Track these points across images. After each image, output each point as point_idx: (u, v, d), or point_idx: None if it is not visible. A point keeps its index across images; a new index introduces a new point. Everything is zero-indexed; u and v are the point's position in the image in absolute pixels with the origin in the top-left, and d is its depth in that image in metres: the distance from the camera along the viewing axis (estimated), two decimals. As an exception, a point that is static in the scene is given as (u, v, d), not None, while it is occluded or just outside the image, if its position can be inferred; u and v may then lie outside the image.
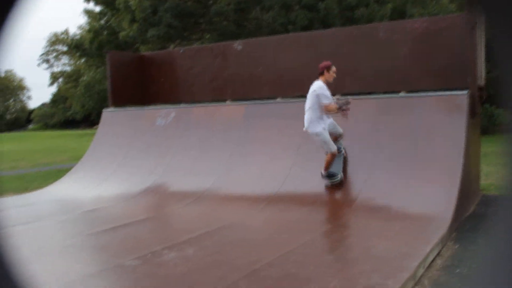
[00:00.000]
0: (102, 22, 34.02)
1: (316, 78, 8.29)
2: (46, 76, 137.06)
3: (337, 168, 8.20)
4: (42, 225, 7.93)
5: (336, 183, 8.18)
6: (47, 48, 77.24)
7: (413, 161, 7.86)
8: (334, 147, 8.01)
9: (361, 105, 8.86)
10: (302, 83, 10.59)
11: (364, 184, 8.00)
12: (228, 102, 11.50)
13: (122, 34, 26.68)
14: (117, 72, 12.69)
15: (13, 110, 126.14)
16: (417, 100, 8.69)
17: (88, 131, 49.00)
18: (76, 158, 15.01)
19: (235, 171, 9.48)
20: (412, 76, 9.42)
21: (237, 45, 11.83)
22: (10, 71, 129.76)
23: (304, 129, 8.17)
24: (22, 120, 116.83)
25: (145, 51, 23.88)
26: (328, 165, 8.09)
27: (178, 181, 9.86)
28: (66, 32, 68.42)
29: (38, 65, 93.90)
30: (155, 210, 8.98)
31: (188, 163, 10.22)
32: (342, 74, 8.82)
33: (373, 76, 9.86)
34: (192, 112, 11.25)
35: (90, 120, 67.33)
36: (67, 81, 72.46)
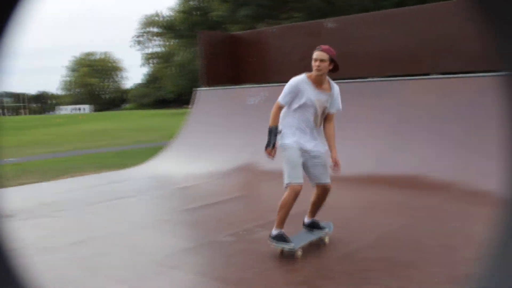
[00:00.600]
0: (193, 3, 34.67)
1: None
2: (139, 57, 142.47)
3: (297, 239, 5.19)
4: (139, 200, 8.28)
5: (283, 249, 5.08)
6: (140, 30, 79.87)
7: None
8: (294, 179, 5.10)
9: (459, 85, 8.44)
10: (395, 62, 10.26)
11: (462, 167, 7.64)
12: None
13: (213, 14, 27.07)
14: (208, 52, 12.87)
15: (109, 90, 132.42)
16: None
17: (179, 110, 50.37)
18: (169, 136, 15.47)
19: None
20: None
21: (329, 23, 11.61)
22: (107, 53, 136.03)
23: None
24: (118, 100, 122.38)
25: (234, 31, 24.07)
26: (281, 216, 5.13)
27: (269, 160, 9.89)
28: (157, 14, 70.30)
29: (130, 46, 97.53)
30: (247, 188, 9.10)
31: (278, 142, 10.23)
32: (440, 53, 8.39)
33: (476, 54, 9.23)
34: (281, 92, 11.23)
35: (181, 99, 69.27)
36: (159, 62, 74.76)
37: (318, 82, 5.13)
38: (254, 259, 4.89)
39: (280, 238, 5.00)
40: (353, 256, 4.86)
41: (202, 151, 11.15)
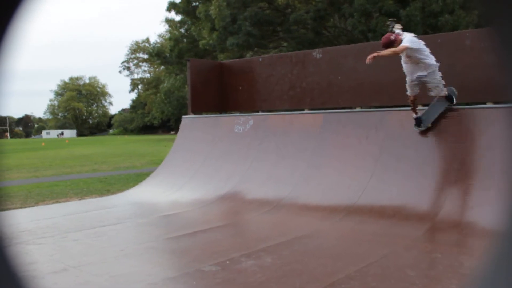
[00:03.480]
0: (182, 30, 34.95)
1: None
2: (126, 82, 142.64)
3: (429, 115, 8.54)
4: (123, 227, 8.16)
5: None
6: (128, 56, 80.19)
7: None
8: (410, 93, 8.38)
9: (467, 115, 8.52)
10: (382, 93, 10.35)
11: (447, 198, 7.66)
12: (306, 110, 11.42)
13: (201, 42, 27.27)
14: (197, 79, 12.92)
15: (95, 114, 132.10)
16: None
17: (165, 136, 50.28)
18: (154, 162, 15.45)
19: (312, 180, 9.37)
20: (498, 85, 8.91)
21: (317, 53, 11.74)
22: (94, 77, 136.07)
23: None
24: (104, 125, 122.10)
25: (223, 59, 24.25)
26: (412, 107, 8.55)
27: (255, 188, 9.87)
28: (147, 40, 70.75)
29: (120, 71, 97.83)
30: (233, 217, 9.03)
31: (265, 171, 10.22)
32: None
33: (460, 86, 9.35)
34: (270, 120, 11.25)
35: (167, 126, 69.24)
36: (146, 88, 74.95)
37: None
38: (239, 290, 4.81)
39: (417, 121, 8.52)
40: (335, 286, 4.80)
41: (187, 178, 11.09)
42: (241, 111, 12.77)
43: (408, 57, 7.98)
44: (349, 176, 8.97)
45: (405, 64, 8.15)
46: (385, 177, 8.58)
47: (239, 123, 11.66)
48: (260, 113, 12.14)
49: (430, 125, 8.45)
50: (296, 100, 12.02)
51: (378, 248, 6.23)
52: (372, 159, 8.96)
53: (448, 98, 8.41)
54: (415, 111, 8.48)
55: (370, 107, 10.55)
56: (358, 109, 10.54)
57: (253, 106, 12.84)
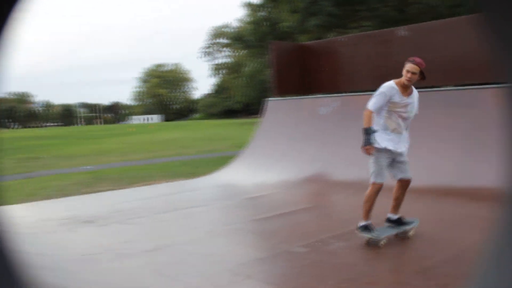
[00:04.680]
0: (262, 13, 34.96)
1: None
2: (208, 67, 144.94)
3: (382, 230, 5.79)
4: (211, 209, 8.35)
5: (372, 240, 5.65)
6: (209, 41, 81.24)
7: None
8: (378, 179, 5.71)
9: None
10: (474, 70, 9.87)
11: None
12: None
13: (282, 24, 27.17)
14: (279, 62, 12.89)
15: (178, 100, 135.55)
16: None
17: (247, 120, 50.77)
18: (237, 145, 15.65)
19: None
20: None
21: (401, 31, 11.35)
22: (177, 64, 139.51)
23: None
24: (187, 110, 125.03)
25: (303, 41, 24.05)
26: (366, 209, 5.74)
27: (340, 170, 9.76)
28: (226, 25, 71.33)
29: (199, 57, 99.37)
30: (319, 198, 8.99)
31: (349, 152, 10.06)
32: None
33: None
34: (353, 101, 11.04)
35: (249, 109, 69.83)
36: (228, 72, 75.73)
37: (405, 89, 5.68)
38: (329, 271, 4.79)
39: (366, 228, 5.66)
40: (430, 271, 4.66)
41: (272, 161, 11.14)
42: (323, 93, 12.63)
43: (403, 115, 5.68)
44: (442, 156, 8.66)
45: (395, 121, 5.66)
46: (479, 157, 8.20)
47: (322, 104, 11.54)
48: (343, 94, 11.95)
49: (382, 242, 5.59)
50: (381, 79, 11.68)
51: (472, 232, 5.98)
52: (466, 139, 8.60)
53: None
54: (367, 214, 5.73)
55: (461, 85, 10.09)
56: (448, 87, 10.12)
57: (336, 88, 12.65)
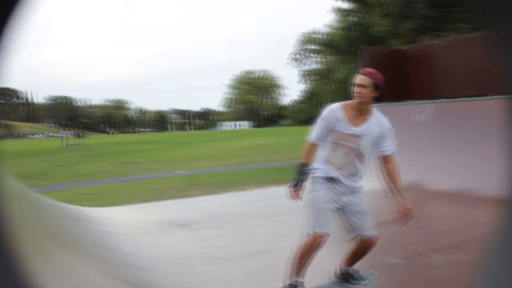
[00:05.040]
0: (353, 18, 34.54)
1: None
2: (296, 74, 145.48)
3: None
4: (303, 216, 8.29)
5: None
6: (297, 48, 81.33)
7: None
8: (317, 229, 4.26)
9: None
10: None
11: None
12: (490, 96, 10.54)
13: (373, 29, 26.69)
14: (372, 67, 12.60)
15: (268, 106, 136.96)
16: None
17: (336, 126, 50.22)
18: (328, 152, 15.43)
19: (499, 172, 8.62)
20: None
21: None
22: (266, 71, 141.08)
23: None
24: (276, 116, 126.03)
25: (396, 45, 23.47)
26: (297, 266, 4.38)
27: (436, 179, 9.40)
28: (316, 31, 71.08)
29: (287, 63, 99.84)
30: (414, 208, 8.67)
31: (446, 161, 9.67)
32: None
33: None
34: (451, 108, 10.59)
35: (338, 115, 69.13)
36: (318, 78, 75.42)
37: (356, 113, 4.14)
38: (429, 286, 4.58)
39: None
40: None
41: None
42: (418, 99, 12.21)
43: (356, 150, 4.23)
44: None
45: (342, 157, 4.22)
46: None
47: (417, 111, 11.15)
48: (439, 100, 11.49)
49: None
50: (481, 85, 11.15)
51: None
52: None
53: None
54: (299, 271, 4.39)
55: None
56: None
57: (431, 93, 12.18)
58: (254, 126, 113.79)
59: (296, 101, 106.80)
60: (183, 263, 5.54)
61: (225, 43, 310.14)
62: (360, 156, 4.22)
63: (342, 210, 4.29)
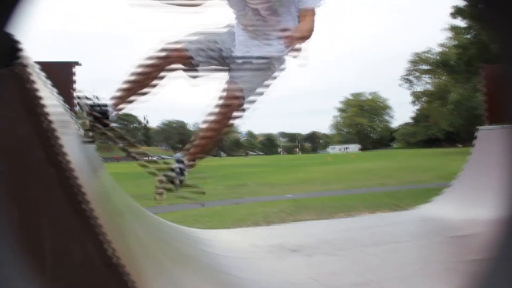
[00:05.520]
0: (469, 36, 33.12)
1: None
2: (407, 94, 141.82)
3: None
4: (418, 245, 7.95)
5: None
6: (409, 68, 79.33)
7: None
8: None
9: None
10: None
11: None
12: None
13: (493, 46, 25.39)
14: (492, 87, 11.95)
15: (378, 129, 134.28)
16: None
17: (450, 149, 48.11)
18: (441, 177, 14.84)
19: None
20: None
21: None
22: (376, 92, 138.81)
23: None
24: (386, 138, 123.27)
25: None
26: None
27: None
28: (428, 50, 68.98)
29: (400, 85, 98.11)
30: None
31: None
32: None
33: None
34: None
35: (452, 138, 66.24)
36: (429, 100, 72.99)
37: None
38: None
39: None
40: None
41: (483, 195, 10.26)
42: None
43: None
44: None
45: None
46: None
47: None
48: None
49: None
50: None
51: None
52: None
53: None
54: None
55: None
56: None
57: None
58: (363, 149, 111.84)
59: (406, 123, 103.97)
60: (295, 289, 5.49)
61: (333, 63, 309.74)
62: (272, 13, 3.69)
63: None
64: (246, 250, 7.66)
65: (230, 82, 3.94)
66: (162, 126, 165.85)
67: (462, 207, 10.23)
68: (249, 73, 3.82)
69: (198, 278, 4.98)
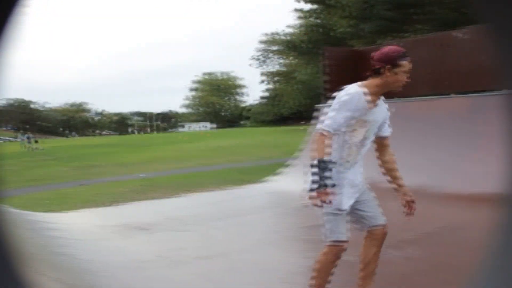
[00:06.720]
0: (313, 20, 34.83)
1: None
2: (259, 75, 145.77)
3: None
4: (262, 217, 8.29)
5: None
6: (259, 49, 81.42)
7: None
8: (337, 235, 3.80)
9: None
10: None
11: None
12: (452, 95, 10.72)
13: (335, 30, 26.99)
14: (333, 68, 12.74)
15: (230, 107, 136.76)
16: None
17: (298, 126, 50.56)
18: (288, 152, 15.54)
19: (456, 167, 8.79)
20: None
21: (459, 33, 10.99)
22: (228, 72, 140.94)
23: None
24: (238, 117, 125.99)
25: (356, 46, 23.76)
26: (319, 283, 3.91)
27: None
28: (278, 32, 71.38)
29: (250, 65, 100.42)
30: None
31: (403, 158, 9.78)
32: None
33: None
34: (409, 107, 10.75)
35: (299, 116, 69.68)
36: (280, 79, 75.82)
37: (376, 98, 3.64)
38: (384, 281, 4.62)
39: None
40: None
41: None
42: (377, 99, 12.36)
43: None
44: (498, 164, 8.28)
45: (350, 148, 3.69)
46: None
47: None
48: (398, 99, 11.65)
49: None
50: (436, 84, 11.36)
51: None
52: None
53: None
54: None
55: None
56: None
57: (389, 93, 12.36)
58: (216, 128, 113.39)
59: (258, 102, 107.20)
60: (140, 267, 5.43)
61: (187, 44, 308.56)
62: (363, 144, 3.71)
63: (353, 205, 3.78)
64: (91, 231, 7.43)
65: None
66: (4, 105, 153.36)
67: (301, 179, 10.83)
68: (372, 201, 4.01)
69: (40, 266, 4.73)
